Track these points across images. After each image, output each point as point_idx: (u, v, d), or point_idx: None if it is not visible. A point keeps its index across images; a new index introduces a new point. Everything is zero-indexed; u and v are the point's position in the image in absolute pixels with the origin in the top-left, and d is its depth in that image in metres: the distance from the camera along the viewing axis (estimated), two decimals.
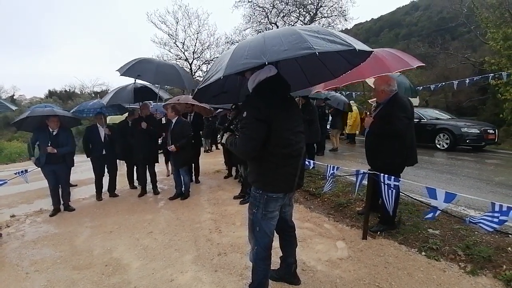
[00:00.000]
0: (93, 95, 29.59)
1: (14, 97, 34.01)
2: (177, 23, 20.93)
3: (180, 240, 3.42)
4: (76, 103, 21.92)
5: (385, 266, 2.62)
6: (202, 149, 8.87)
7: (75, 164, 4.96)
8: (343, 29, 21.47)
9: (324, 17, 21.26)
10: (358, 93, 12.75)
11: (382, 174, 2.84)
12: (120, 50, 74.49)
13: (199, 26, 21.70)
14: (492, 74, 10.02)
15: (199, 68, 22.74)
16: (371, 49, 1.94)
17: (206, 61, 22.43)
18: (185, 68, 18.78)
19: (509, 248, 2.66)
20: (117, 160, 5.60)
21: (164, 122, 6.31)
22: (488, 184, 4.85)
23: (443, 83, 11.16)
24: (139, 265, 2.89)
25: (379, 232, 3.21)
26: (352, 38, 1.79)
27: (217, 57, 14.24)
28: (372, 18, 43.02)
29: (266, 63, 1.59)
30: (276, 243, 2.21)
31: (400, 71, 3.66)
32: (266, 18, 21.70)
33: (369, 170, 3.07)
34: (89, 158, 5.26)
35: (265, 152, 1.87)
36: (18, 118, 4.60)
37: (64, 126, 4.70)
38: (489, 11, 11.56)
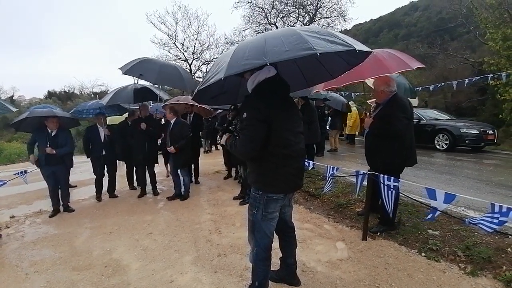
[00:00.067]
0: (92, 95, 29.55)
1: (14, 98, 33.95)
2: (177, 23, 21.00)
3: (179, 241, 3.42)
4: (76, 103, 21.91)
5: (385, 267, 2.62)
6: (201, 149, 8.87)
7: (74, 165, 4.96)
8: (342, 29, 21.51)
9: (324, 17, 21.28)
10: (358, 93, 12.76)
11: (381, 175, 2.84)
12: (120, 50, 74.44)
13: (198, 27, 21.75)
14: (491, 75, 10.02)
15: (198, 68, 22.78)
16: (370, 50, 1.94)
17: (205, 61, 22.47)
18: (185, 69, 18.75)
19: (509, 249, 2.66)
20: (117, 161, 5.60)
21: (163, 122, 6.31)
22: (487, 185, 4.85)
23: (442, 84, 11.17)
24: (138, 266, 2.88)
25: (379, 233, 3.21)
26: (352, 39, 1.80)
27: (216, 58, 14.27)
28: (371, 19, 43.13)
29: (268, 64, 1.59)
30: (276, 244, 2.21)
31: (399, 72, 3.66)
32: (266, 19, 21.74)
33: (368, 170, 3.07)
34: (89, 159, 5.26)
35: (265, 152, 1.87)
36: (17, 119, 4.60)
37: (63, 126, 4.69)
38: (488, 12, 11.58)
